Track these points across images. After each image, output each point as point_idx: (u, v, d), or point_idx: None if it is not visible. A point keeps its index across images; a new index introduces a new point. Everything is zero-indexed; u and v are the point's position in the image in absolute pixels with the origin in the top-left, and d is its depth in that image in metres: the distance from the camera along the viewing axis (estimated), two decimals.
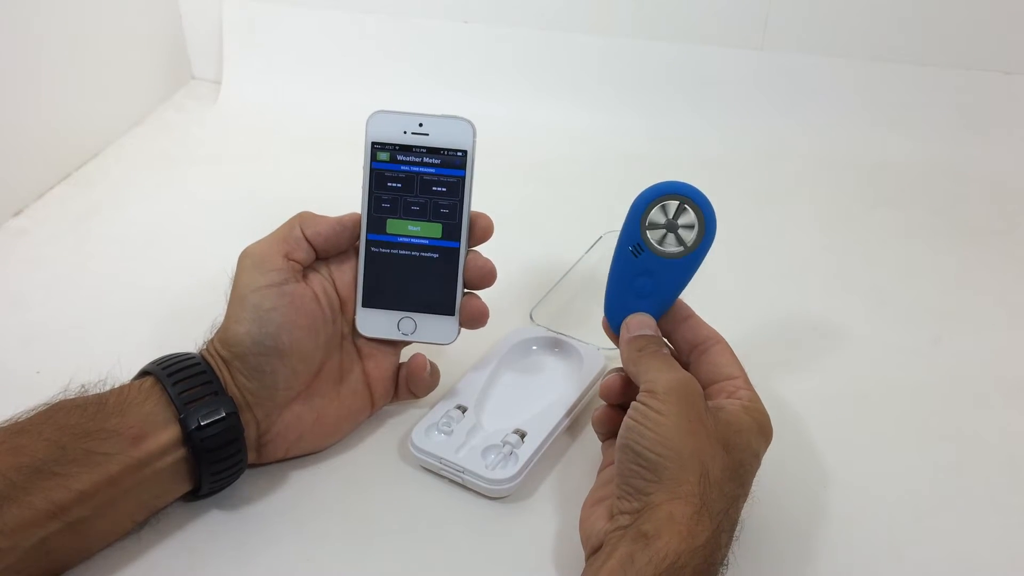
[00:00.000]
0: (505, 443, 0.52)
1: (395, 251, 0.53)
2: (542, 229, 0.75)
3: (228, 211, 0.78)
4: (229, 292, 0.50)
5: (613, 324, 0.51)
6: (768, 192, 0.83)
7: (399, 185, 0.52)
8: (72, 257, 0.72)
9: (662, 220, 0.48)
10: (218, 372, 0.48)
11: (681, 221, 0.48)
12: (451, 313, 0.53)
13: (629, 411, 0.45)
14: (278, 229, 0.51)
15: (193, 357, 0.49)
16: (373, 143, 0.52)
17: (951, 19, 0.85)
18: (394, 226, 0.52)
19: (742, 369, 0.48)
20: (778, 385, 0.59)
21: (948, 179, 0.84)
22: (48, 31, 0.78)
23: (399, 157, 0.52)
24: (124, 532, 0.47)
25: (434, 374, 0.55)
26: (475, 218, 0.53)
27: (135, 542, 0.48)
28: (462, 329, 0.54)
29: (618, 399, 0.50)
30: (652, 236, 0.49)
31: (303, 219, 0.51)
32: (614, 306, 0.50)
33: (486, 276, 0.53)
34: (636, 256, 0.49)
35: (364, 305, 0.53)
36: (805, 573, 0.48)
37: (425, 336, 0.53)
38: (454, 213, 0.52)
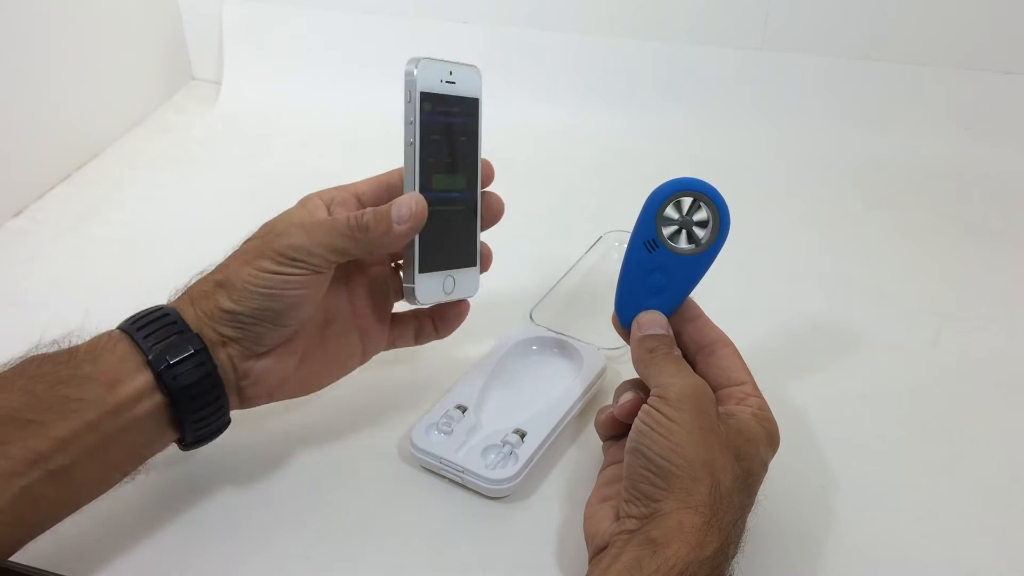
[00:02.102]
0: (505, 443, 0.52)
1: (441, 208, 0.50)
2: (542, 229, 0.75)
3: (228, 211, 0.78)
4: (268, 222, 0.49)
5: (623, 320, 0.50)
6: (768, 192, 0.83)
7: (438, 137, 0.49)
8: (72, 257, 0.73)
9: (677, 216, 0.48)
10: (194, 307, 0.47)
11: (696, 218, 0.48)
12: (475, 264, 0.52)
13: (640, 414, 0.44)
14: (332, 219, 0.48)
15: (159, 307, 0.48)
16: (422, 93, 0.48)
17: (951, 19, 0.85)
18: (438, 182, 0.49)
19: (750, 374, 0.48)
20: (777, 385, 0.59)
21: (948, 179, 0.84)
22: (48, 32, 0.78)
23: (438, 108, 0.49)
24: (111, 483, 0.46)
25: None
26: (489, 198, 0.53)
27: (132, 540, 0.48)
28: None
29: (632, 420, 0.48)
30: (666, 232, 0.48)
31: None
32: (625, 302, 0.50)
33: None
34: (650, 252, 0.48)
35: (422, 271, 0.50)
36: (805, 572, 0.48)
37: (460, 292, 0.52)
38: (473, 163, 0.51)
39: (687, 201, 0.48)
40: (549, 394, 0.56)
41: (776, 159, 0.87)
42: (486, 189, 0.53)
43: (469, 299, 0.54)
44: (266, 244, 0.47)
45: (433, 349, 0.55)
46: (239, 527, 0.50)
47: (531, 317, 0.63)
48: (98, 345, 0.46)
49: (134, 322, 0.47)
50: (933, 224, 0.78)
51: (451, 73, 0.49)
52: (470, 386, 0.56)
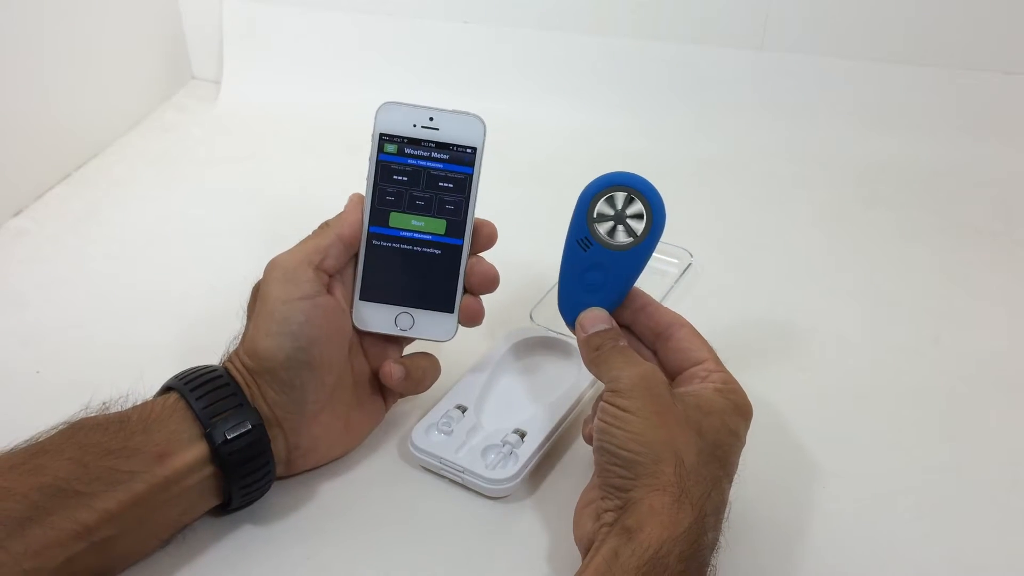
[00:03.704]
0: (505, 443, 0.52)
1: (397, 245, 0.52)
2: (542, 229, 0.74)
3: (228, 211, 0.78)
4: (248, 301, 0.50)
5: (567, 320, 0.51)
6: (768, 192, 0.83)
7: (405, 179, 0.51)
8: (72, 257, 0.72)
9: (610, 212, 0.49)
10: (243, 384, 0.48)
11: (629, 212, 0.48)
12: (450, 310, 0.52)
13: (598, 413, 0.45)
14: (307, 239, 0.50)
15: (215, 370, 0.48)
16: (381, 134, 0.51)
17: (951, 19, 0.85)
18: (397, 220, 0.51)
19: (711, 350, 0.48)
20: (778, 385, 0.59)
21: (948, 179, 0.84)
22: (48, 31, 0.78)
23: (407, 150, 0.51)
24: (150, 550, 0.46)
25: (426, 372, 0.54)
26: (480, 225, 0.52)
27: None
28: (460, 327, 0.53)
29: None
30: (600, 228, 0.49)
31: (338, 224, 0.50)
32: (566, 302, 0.50)
33: (490, 282, 0.52)
34: (585, 250, 0.49)
35: (362, 298, 0.52)
36: (804, 572, 0.48)
37: (422, 332, 0.53)
38: (459, 210, 0.52)
39: (619, 196, 0.48)
40: (549, 394, 0.56)
41: (776, 159, 0.87)
42: (482, 219, 0.53)
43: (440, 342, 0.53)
44: (260, 302, 0.48)
45: (433, 349, 0.55)
46: (239, 528, 0.49)
47: (531, 317, 0.63)
48: (151, 413, 0.45)
49: (188, 381, 0.47)
50: (933, 224, 0.78)
51: (431, 119, 0.51)
52: (470, 386, 0.56)
